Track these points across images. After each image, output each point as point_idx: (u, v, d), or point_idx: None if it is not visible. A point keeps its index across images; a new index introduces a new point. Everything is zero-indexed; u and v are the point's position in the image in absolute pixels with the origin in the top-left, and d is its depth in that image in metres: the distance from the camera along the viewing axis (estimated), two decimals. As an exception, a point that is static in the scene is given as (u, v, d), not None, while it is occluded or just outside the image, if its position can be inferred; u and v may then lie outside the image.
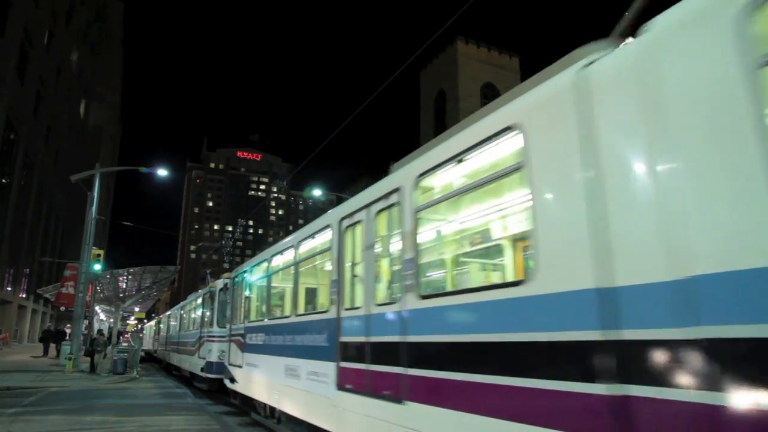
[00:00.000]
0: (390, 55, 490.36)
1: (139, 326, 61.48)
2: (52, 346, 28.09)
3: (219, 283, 15.28)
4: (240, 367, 10.39)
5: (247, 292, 10.54)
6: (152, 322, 46.47)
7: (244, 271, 10.98)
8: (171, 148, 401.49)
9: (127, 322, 67.41)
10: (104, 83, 70.45)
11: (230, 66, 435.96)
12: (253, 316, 10.18)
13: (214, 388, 14.69)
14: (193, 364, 17.29)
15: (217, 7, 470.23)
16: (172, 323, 26.74)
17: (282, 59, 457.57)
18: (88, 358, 20.30)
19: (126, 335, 46.35)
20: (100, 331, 30.84)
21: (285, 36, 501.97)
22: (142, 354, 31.31)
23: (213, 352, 14.57)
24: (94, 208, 21.65)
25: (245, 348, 10.06)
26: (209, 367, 14.67)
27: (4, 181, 34.27)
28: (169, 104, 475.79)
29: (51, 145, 44.42)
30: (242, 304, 10.83)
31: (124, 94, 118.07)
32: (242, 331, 10.31)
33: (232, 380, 11.17)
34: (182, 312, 23.07)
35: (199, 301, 18.07)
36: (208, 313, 15.73)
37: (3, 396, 12.23)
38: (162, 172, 24.24)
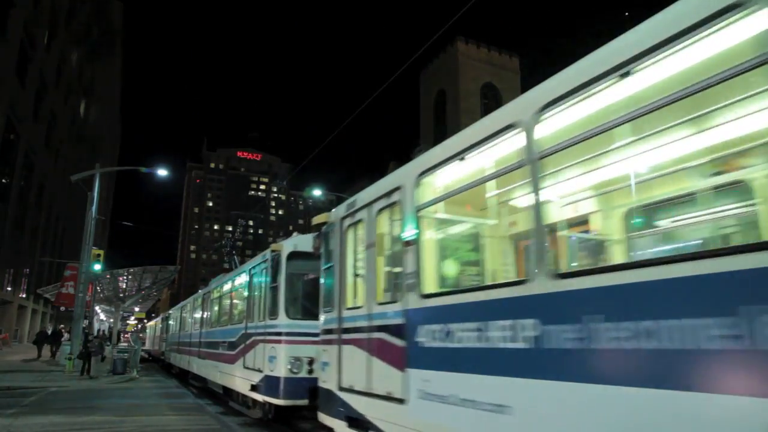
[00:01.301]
0: (390, 56, 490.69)
1: (139, 326, 61.49)
2: (47, 347, 27.94)
3: (287, 246, 9.56)
4: (398, 401, 4.95)
5: (411, 233, 4.96)
6: (158, 319, 40.99)
7: (392, 192, 5.43)
8: (171, 148, 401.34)
9: (127, 322, 67.42)
10: (104, 83, 70.37)
11: (230, 66, 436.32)
12: (454, 281, 5.23)
13: (269, 416, 9.55)
14: (232, 377, 11.75)
15: (217, 7, 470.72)
16: (189, 318, 20.64)
17: (282, 59, 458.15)
18: (81, 361, 18.51)
19: (126, 335, 46.27)
20: (98, 332, 30.81)
21: (285, 36, 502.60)
22: (144, 355, 31.34)
23: (279, 360, 8.84)
24: (94, 208, 21.69)
25: (413, 357, 4.83)
26: (271, 385, 9.00)
27: (4, 181, 34.25)
28: (169, 104, 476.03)
29: (51, 145, 44.37)
30: (385, 265, 5.72)
31: (124, 94, 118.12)
32: (399, 320, 5.04)
33: (360, 425, 5.61)
34: (206, 301, 17.13)
35: (242, 280, 12.24)
36: (263, 298, 10.10)
37: (3, 396, 12.22)
38: (162, 172, 24.35)
